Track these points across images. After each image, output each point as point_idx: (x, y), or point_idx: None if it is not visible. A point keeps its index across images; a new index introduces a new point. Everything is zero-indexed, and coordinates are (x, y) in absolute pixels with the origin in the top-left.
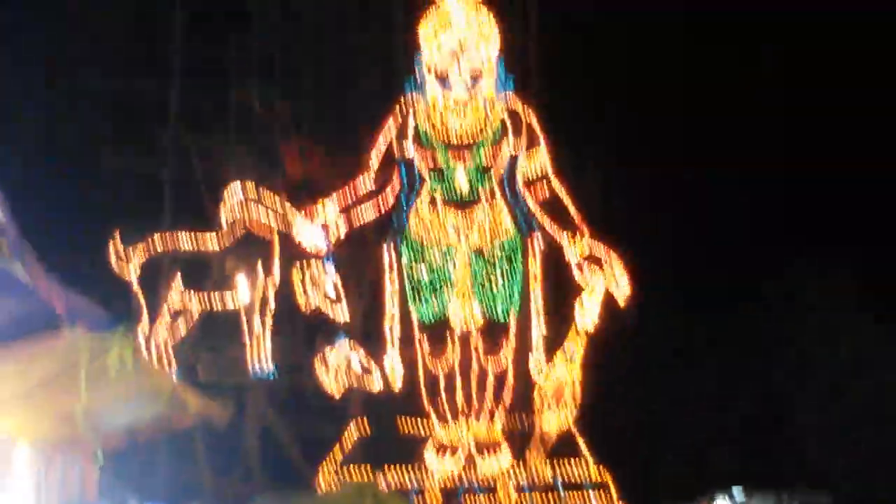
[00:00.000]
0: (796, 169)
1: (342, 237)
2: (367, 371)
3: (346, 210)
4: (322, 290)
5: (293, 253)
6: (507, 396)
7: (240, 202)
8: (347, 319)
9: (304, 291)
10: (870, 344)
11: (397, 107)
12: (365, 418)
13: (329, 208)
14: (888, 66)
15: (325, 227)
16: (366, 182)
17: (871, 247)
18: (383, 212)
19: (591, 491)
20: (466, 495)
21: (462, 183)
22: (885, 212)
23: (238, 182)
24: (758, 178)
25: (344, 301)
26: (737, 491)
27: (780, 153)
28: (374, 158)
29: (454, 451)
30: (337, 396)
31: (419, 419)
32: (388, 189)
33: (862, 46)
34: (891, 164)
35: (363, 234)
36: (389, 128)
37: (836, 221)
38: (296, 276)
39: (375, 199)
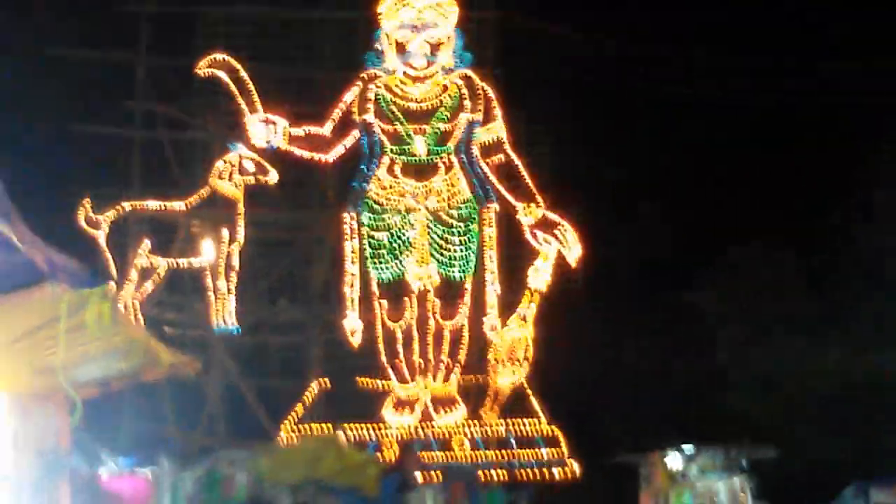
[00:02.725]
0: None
1: (281, 146)
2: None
3: (295, 138)
4: None
5: None
6: (463, 355)
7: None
8: None
9: None
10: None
11: (358, 79)
12: (326, 377)
13: (280, 122)
14: None
15: (268, 121)
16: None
17: (805, 241)
18: (328, 161)
19: (542, 446)
20: (422, 449)
21: (421, 150)
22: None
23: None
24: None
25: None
26: (686, 447)
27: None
28: (334, 119)
29: (411, 406)
30: None
31: (378, 377)
32: (341, 144)
33: None
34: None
35: (324, 197)
36: (351, 98)
37: (778, 214)
38: None
39: (325, 145)
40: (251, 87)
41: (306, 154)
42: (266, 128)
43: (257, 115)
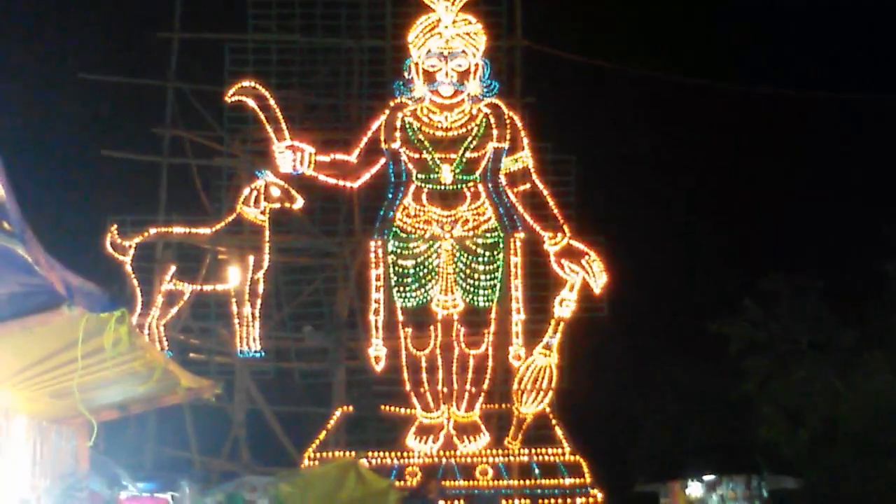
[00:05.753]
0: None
1: (307, 173)
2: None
3: (322, 164)
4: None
5: None
6: (487, 382)
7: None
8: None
9: None
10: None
11: (386, 108)
12: (350, 405)
13: (306, 149)
14: None
15: (294, 148)
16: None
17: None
18: (354, 188)
19: (566, 475)
20: (445, 476)
21: (447, 178)
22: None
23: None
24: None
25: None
26: (707, 477)
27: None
28: (361, 146)
29: (435, 434)
30: None
31: (402, 404)
32: (367, 172)
33: None
34: None
35: (350, 224)
36: (379, 126)
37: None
38: None
39: (351, 172)
40: (279, 114)
41: (332, 181)
42: (293, 155)
43: (284, 142)
